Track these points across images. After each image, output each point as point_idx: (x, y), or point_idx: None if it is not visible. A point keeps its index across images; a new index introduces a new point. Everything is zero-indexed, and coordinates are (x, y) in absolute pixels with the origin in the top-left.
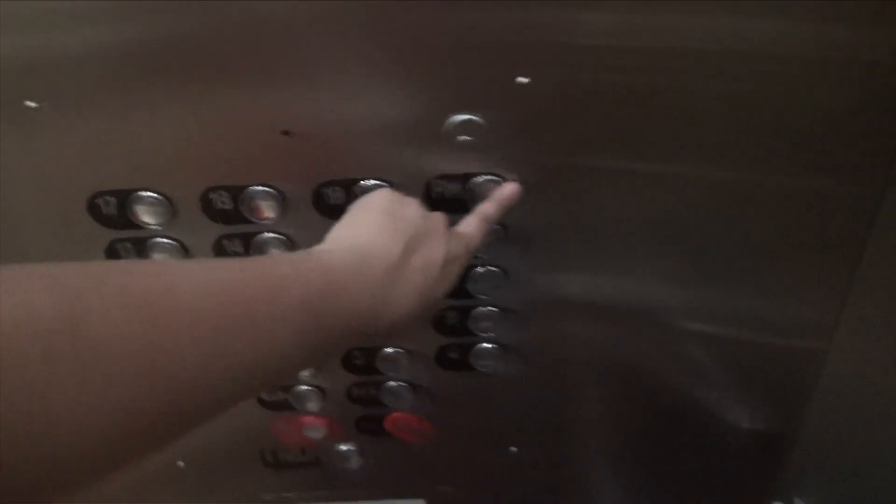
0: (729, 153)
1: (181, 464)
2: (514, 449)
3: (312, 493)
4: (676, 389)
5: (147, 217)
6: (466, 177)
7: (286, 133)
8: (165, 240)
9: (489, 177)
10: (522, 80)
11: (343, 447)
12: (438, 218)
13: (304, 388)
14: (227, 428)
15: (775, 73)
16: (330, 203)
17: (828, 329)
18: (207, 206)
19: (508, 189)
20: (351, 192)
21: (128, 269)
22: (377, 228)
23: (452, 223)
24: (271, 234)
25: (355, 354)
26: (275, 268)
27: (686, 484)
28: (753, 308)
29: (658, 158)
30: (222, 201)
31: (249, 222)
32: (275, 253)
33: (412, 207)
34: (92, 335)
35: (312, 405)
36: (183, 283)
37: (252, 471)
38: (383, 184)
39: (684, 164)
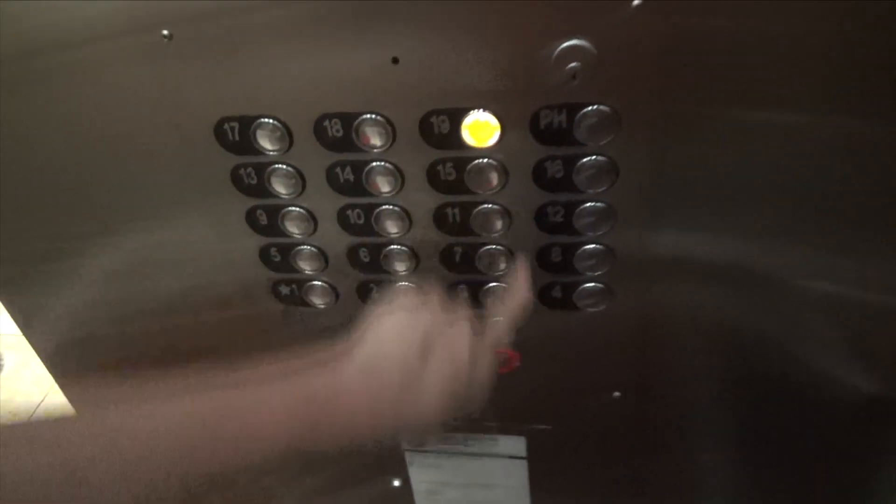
0: (849, 104)
1: None
2: (617, 394)
3: None
4: (788, 349)
5: (267, 143)
6: (575, 107)
7: (395, 61)
8: (283, 166)
9: (598, 107)
10: (637, 2)
11: None
12: (463, 317)
13: None
14: None
15: None
16: (436, 132)
17: None
18: (321, 134)
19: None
20: (457, 121)
21: None
22: (395, 335)
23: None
24: (380, 163)
25: (459, 286)
26: None
27: (800, 450)
28: (865, 266)
29: (779, 106)
30: (335, 129)
31: (359, 150)
32: None
33: (432, 311)
34: None
35: None
36: None
37: None
38: (489, 115)
39: (805, 113)
